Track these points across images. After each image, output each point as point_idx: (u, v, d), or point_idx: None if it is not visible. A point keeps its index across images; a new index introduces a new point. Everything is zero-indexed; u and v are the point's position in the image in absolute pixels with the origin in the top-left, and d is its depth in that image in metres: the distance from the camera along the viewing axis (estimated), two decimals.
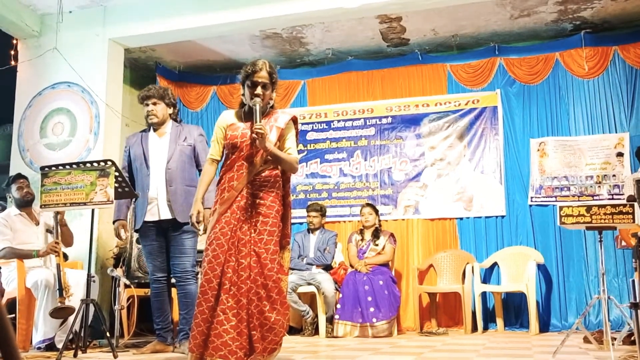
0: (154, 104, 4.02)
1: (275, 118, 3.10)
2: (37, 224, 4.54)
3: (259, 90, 2.98)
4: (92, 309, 3.97)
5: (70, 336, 3.81)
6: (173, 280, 4.09)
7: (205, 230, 3.23)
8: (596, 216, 3.52)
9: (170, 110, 4.09)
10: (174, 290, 4.24)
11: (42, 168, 3.96)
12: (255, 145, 2.95)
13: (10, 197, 4.63)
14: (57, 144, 5.85)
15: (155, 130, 4.07)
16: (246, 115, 3.09)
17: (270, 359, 2.95)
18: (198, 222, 3.07)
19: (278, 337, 2.88)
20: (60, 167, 3.88)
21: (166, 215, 3.88)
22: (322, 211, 5.94)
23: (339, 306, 5.33)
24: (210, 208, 3.27)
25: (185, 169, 3.95)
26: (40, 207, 3.91)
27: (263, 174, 3.01)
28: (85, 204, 3.78)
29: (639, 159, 5.05)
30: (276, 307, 2.86)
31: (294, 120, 3.18)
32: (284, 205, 3.12)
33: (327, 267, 5.70)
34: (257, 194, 2.98)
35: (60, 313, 3.84)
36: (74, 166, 3.87)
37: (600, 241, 3.65)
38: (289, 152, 3.08)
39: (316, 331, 5.40)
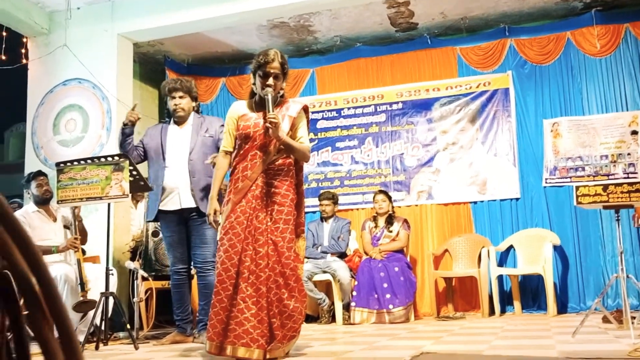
0: (181, 97, 4.01)
1: (287, 107, 3.11)
2: (55, 220, 4.58)
3: (270, 81, 2.99)
4: (111, 302, 4.02)
5: (91, 329, 3.85)
6: (192, 272, 4.12)
7: None
8: (613, 195, 3.49)
9: (194, 104, 4.10)
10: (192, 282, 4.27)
11: (57, 164, 4.00)
12: (269, 135, 2.96)
13: (29, 194, 4.67)
14: (71, 140, 5.90)
15: (176, 122, 4.07)
16: (257, 105, 3.10)
17: (290, 346, 2.99)
18: (216, 222, 3.08)
19: (297, 325, 2.91)
20: (75, 163, 3.92)
21: (188, 204, 3.89)
22: (334, 199, 5.94)
23: (354, 293, 5.35)
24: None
25: (207, 160, 3.96)
26: (57, 202, 3.95)
27: (277, 163, 3.03)
28: (101, 198, 3.82)
29: None
30: (294, 295, 2.89)
31: (305, 109, 3.20)
32: (298, 194, 3.15)
33: (342, 255, 5.71)
34: (272, 183, 3.00)
35: (83, 307, 3.89)
36: (89, 161, 3.91)
37: (618, 220, 3.62)
38: (301, 141, 3.11)
39: (333, 319, 5.43)
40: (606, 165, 5.74)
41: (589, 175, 5.77)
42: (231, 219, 2.95)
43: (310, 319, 5.53)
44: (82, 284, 4.07)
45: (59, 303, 0.55)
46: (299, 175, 3.19)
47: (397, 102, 6.53)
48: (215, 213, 3.07)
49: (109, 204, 3.96)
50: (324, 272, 5.49)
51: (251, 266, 2.88)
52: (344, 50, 6.76)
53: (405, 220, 5.81)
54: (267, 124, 2.91)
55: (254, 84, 3.09)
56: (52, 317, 0.55)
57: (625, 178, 5.55)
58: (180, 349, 3.64)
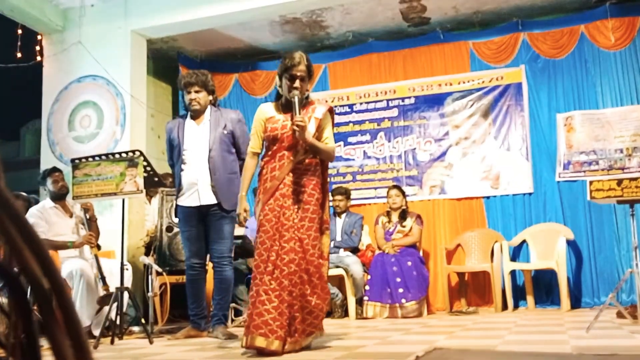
0: (197, 91, 3.99)
1: (313, 109, 3.21)
2: (71, 216, 4.63)
3: (297, 83, 3.11)
4: (126, 296, 4.06)
5: (107, 323, 3.90)
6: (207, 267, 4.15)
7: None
8: (627, 189, 3.47)
9: (210, 97, 4.07)
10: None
11: (72, 160, 4.05)
12: (296, 137, 3.08)
13: (46, 190, 4.73)
14: (86, 136, 5.95)
15: (193, 117, 4.07)
16: (284, 107, 3.21)
17: (308, 341, 3.05)
18: (245, 220, 3.23)
19: (317, 320, 3.00)
20: (90, 159, 3.96)
21: (208, 200, 3.90)
22: (346, 194, 5.95)
23: (367, 288, 5.36)
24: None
25: (225, 157, 3.96)
26: (73, 198, 4.00)
27: (304, 162, 3.15)
28: (115, 194, 3.86)
29: None
30: (317, 292, 2.99)
31: (330, 110, 3.33)
32: (322, 192, 3.25)
33: (355, 250, 5.72)
34: (299, 182, 3.11)
35: (107, 300, 3.94)
36: (103, 157, 3.95)
37: (632, 215, 3.60)
38: (327, 141, 3.23)
39: (345, 313, 5.44)
40: (621, 159, 5.69)
41: (603, 170, 5.72)
42: (261, 217, 3.08)
43: None
44: (104, 278, 4.13)
45: (70, 304, 0.57)
46: (324, 174, 3.31)
47: (409, 97, 6.52)
48: (245, 212, 3.21)
49: (123, 200, 4.00)
50: (337, 266, 5.50)
51: (276, 261, 2.97)
52: (356, 45, 6.75)
53: (419, 216, 5.81)
54: (295, 127, 3.02)
55: (280, 86, 3.20)
56: (63, 318, 0.57)
57: None
58: (194, 344, 3.67)
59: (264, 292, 2.91)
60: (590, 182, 3.61)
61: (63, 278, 4.29)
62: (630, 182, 3.49)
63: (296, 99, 3.04)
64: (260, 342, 2.86)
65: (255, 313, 2.90)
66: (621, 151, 5.70)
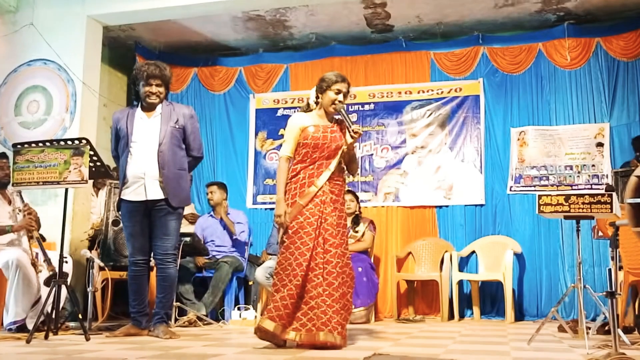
0: (158, 85, 3.86)
1: (341, 121, 3.53)
2: (10, 203, 4.43)
3: (341, 97, 3.45)
4: (64, 290, 3.89)
5: (42, 318, 3.73)
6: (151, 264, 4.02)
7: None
8: (574, 205, 3.53)
9: (166, 91, 3.95)
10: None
11: (14, 145, 3.86)
12: (335, 146, 3.40)
13: None
14: (32, 122, 5.74)
15: (145, 108, 3.93)
16: (322, 118, 3.49)
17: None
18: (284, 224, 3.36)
19: (349, 313, 3.44)
20: (34, 145, 3.79)
21: (155, 195, 3.77)
22: None
23: None
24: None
25: (175, 152, 3.84)
26: (12, 185, 3.82)
27: (337, 173, 3.44)
28: (58, 182, 3.70)
29: (634, 147, 5.15)
30: (350, 290, 3.41)
31: None
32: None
33: None
34: (333, 191, 3.40)
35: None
36: (48, 144, 3.78)
37: (578, 230, 3.66)
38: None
39: None
40: (570, 176, 5.83)
41: (552, 185, 5.85)
42: (299, 220, 3.30)
43: None
44: (48, 260, 3.95)
45: None
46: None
47: (369, 103, 6.53)
48: (285, 214, 3.33)
49: (66, 190, 3.84)
50: None
51: (324, 264, 3.26)
52: (319, 48, 6.73)
53: (372, 222, 5.80)
54: (354, 134, 3.36)
55: (317, 100, 3.50)
56: None
57: (588, 189, 5.64)
58: (132, 342, 3.55)
59: (319, 294, 3.19)
60: (539, 197, 3.66)
61: None
62: (577, 198, 3.55)
63: (344, 112, 3.40)
64: (328, 337, 3.12)
65: (321, 312, 3.16)
66: (571, 168, 5.84)
